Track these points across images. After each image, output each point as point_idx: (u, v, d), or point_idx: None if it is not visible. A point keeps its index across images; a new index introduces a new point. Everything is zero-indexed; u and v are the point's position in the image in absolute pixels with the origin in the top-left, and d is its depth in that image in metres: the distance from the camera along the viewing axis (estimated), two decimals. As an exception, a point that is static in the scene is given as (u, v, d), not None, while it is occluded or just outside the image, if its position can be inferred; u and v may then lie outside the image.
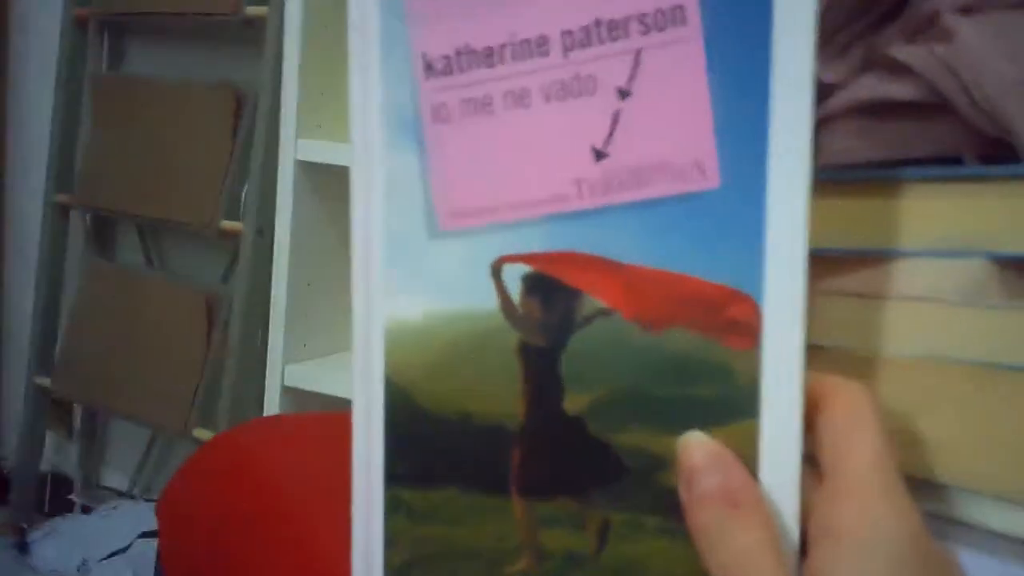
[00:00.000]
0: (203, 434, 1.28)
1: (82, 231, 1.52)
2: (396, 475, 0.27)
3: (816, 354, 0.24)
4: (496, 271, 0.26)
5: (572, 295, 0.26)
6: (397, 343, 0.26)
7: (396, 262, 0.26)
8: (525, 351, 0.26)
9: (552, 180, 0.26)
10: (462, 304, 0.26)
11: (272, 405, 1.09)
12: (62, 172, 1.46)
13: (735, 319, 0.24)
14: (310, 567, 0.44)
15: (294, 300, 1.09)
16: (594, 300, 0.26)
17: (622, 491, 0.25)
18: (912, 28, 0.31)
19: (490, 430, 0.26)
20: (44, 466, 1.55)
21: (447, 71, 0.26)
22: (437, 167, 0.26)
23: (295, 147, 1.05)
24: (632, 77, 0.25)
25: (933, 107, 0.30)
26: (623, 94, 0.25)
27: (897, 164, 0.30)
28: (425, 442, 0.27)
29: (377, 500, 0.27)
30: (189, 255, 1.48)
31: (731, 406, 0.24)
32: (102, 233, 1.53)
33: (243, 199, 1.27)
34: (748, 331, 0.24)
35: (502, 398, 0.26)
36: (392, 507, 0.27)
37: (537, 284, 0.26)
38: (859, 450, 0.23)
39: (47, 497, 1.56)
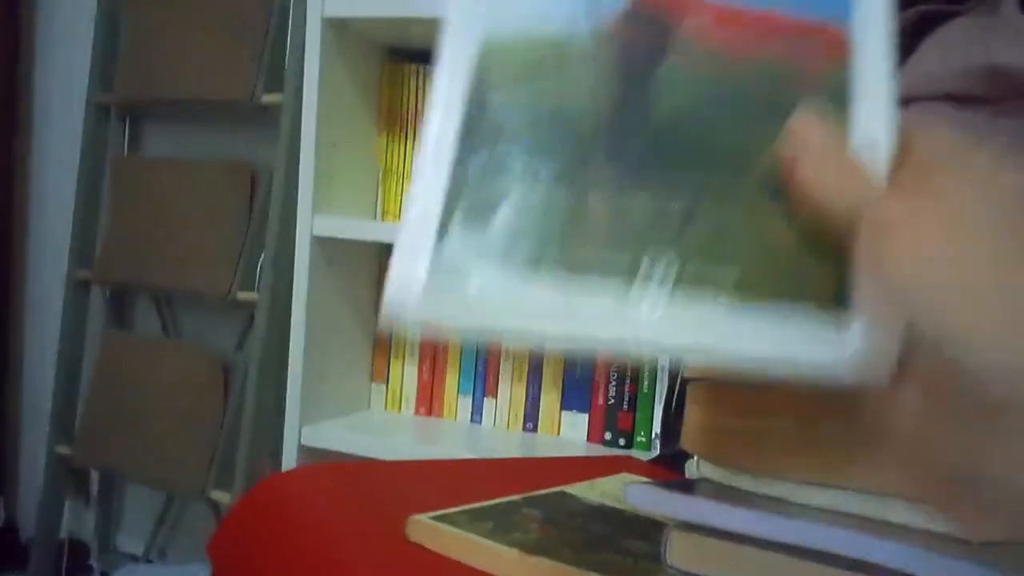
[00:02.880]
0: (220, 496, 1.33)
1: (101, 304, 1.60)
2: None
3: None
4: None
5: (668, 25, 0.28)
6: (490, 54, 0.27)
7: None
8: (619, 69, 0.27)
9: None
10: (559, 25, 0.28)
11: (289, 464, 1.16)
12: (83, 249, 1.54)
13: (824, 46, 0.27)
14: None
15: (309, 365, 1.16)
16: (688, 29, 0.28)
17: (709, 180, 0.27)
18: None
19: (573, 123, 0.27)
20: (62, 533, 1.60)
21: None
22: None
23: (311, 222, 1.13)
24: None
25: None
26: None
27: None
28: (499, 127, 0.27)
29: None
30: (204, 324, 1.56)
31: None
32: (120, 305, 1.60)
33: (258, 271, 1.36)
34: (837, 55, 0.27)
35: (590, 104, 0.27)
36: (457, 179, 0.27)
37: (636, 14, 0.28)
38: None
39: (65, 564, 1.60)
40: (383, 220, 1.22)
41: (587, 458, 0.84)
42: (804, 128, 0.26)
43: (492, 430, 1.20)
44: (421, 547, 0.53)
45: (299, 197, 1.14)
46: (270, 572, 0.56)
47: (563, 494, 0.60)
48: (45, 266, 1.67)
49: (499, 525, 0.52)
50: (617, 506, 0.57)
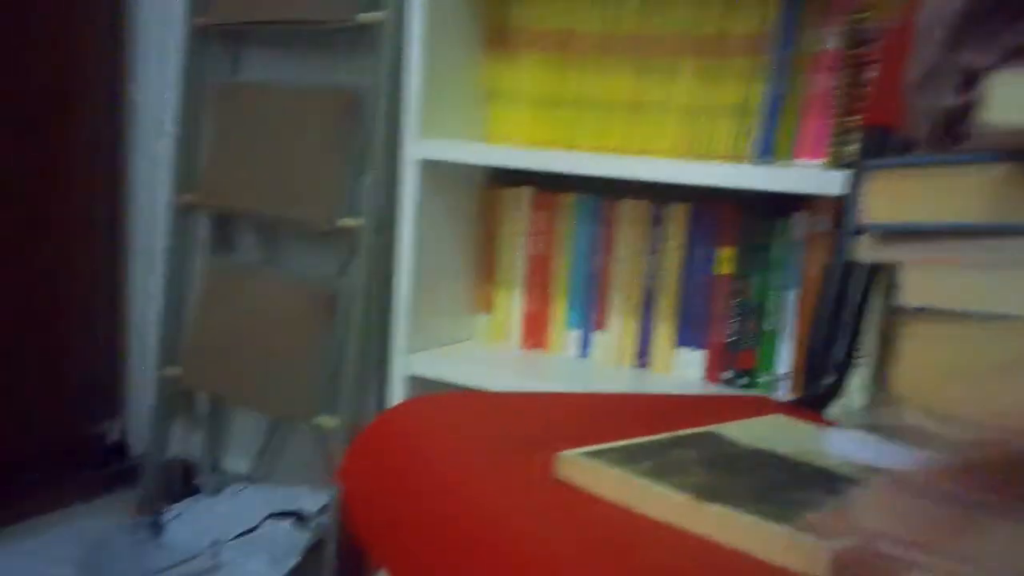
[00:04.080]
0: (325, 421, 1.34)
1: (205, 230, 1.61)
2: None
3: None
4: None
5: None
6: None
7: None
8: None
9: None
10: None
11: (395, 393, 1.14)
12: (186, 175, 1.54)
13: None
14: (475, 541, 0.47)
15: (416, 293, 1.13)
16: None
17: None
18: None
19: None
20: (171, 453, 1.64)
21: None
22: None
23: (416, 146, 1.09)
24: None
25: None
26: None
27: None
28: None
29: None
30: (306, 251, 1.55)
31: None
32: (222, 232, 1.61)
33: (360, 197, 1.33)
34: None
35: None
36: None
37: None
38: None
39: (173, 482, 1.65)
40: (490, 144, 1.17)
41: (719, 396, 0.79)
42: None
43: (600, 366, 1.16)
44: (570, 485, 0.49)
45: (404, 119, 1.10)
46: (405, 502, 0.54)
47: (713, 435, 0.55)
48: (150, 191, 1.69)
49: (657, 466, 0.48)
50: (778, 451, 0.52)
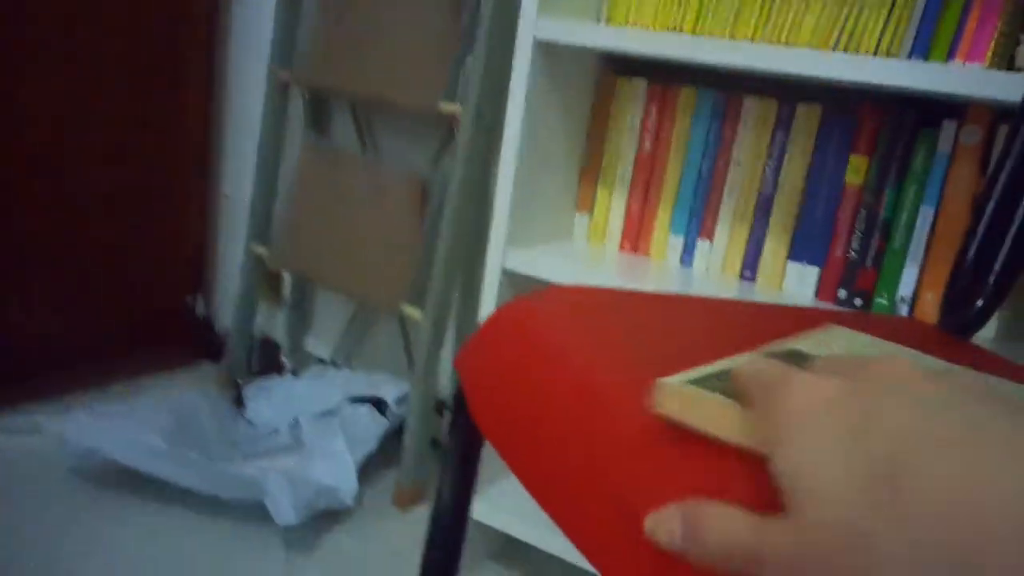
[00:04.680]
0: (411, 311, 1.32)
1: (300, 110, 1.57)
2: None
3: None
4: None
5: None
6: None
7: None
8: None
9: None
10: None
11: (492, 288, 1.10)
12: (283, 50, 1.50)
13: None
14: (597, 436, 0.43)
15: (518, 185, 1.08)
16: None
17: None
18: None
19: None
20: (255, 330, 1.66)
21: None
22: None
23: (535, 24, 1.02)
24: None
25: None
26: None
27: None
28: None
29: None
30: (401, 138, 1.50)
31: None
32: (318, 113, 1.57)
33: (461, 81, 1.27)
34: None
35: None
36: None
37: None
38: None
39: (257, 359, 1.67)
40: (608, 25, 1.08)
41: (863, 314, 0.72)
42: None
43: (704, 276, 1.10)
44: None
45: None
46: (524, 396, 0.50)
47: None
48: (247, 65, 1.65)
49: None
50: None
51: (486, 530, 1.21)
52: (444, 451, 0.61)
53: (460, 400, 0.58)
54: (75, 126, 1.47)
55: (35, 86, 1.40)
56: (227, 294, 1.75)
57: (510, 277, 1.11)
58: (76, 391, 1.53)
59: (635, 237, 1.17)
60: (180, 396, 1.41)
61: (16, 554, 1.08)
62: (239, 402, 1.50)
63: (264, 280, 1.62)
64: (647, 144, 1.14)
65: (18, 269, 1.44)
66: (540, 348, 0.52)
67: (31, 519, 1.16)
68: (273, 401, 1.47)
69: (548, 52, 1.05)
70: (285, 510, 1.15)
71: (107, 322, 1.60)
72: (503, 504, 1.16)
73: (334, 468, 1.27)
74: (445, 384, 1.46)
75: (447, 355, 1.45)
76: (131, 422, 1.25)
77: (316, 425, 1.37)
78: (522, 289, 1.12)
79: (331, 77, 1.43)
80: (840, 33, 0.95)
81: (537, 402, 0.49)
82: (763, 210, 1.07)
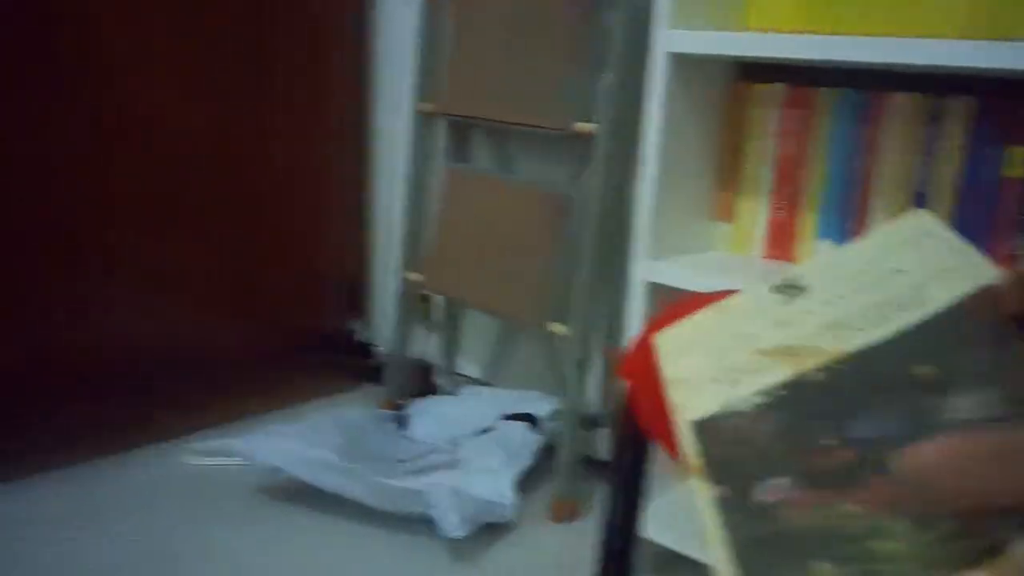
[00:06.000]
0: (556, 328, 1.35)
1: (443, 140, 1.65)
2: None
3: None
4: None
5: None
6: None
7: None
8: None
9: None
10: None
11: (635, 299, 1.12)
12: (426, 84, 1.58)
13: None
14: None
15: (658, 197, 1.09)
16: None
17: None
18: None
19: None
20: (411, 353, 1.74)
21: None
22: None
23: (667, 37, 1.03)
24: None
25: None
26: None
27: None
28: None
29: None
30: (538, 158, 1.55)
31: None
32: (459, 139, 1.64)
33: (595, 101, 1.30)
34: None
35: None
36: None
37: None
38: None
39: (415, 381, 1.76)
40: (747, 31, 1.08)
41: None
42: None
43: (855, 277, 1.07)
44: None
45: (654, 8, 1.04)
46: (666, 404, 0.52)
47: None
48: (390, 101, 1.75)
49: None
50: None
51: (647, 545, 1.22)
52: (608, 466, 0.63)
53: (623, 413, 0.60)
54: (249, 183, 1.61)
55: (242, 144, 1.54)
56: (384, 318, 1.85)
57: (654, 289, 1.12)
58: (256, 413, 1.66)
59: (780, 244, 1.16)
60: (348, 415, 1.50)
61: (206, 558, 1.19)
62: (401, 421, 1.58)
63: (417, 304, 1.70)
64: (787, 149, 1.13)
65: (218, 301, 1.59)
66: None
67: (224, 531, 1.27)
68: (431, 420, 1.54)
69: (680, 63, 1.07)
70: (453, 523, 1.21)
71: (277, 347, 1.73)
72: (662, 518, 1.16)
73: (494, 483, 1.31)
74: (593, 399, 1.48)
75: (593, 370, 1.48)
76: (306, 442, 1.35)
77: (474, 442, 1.42)
78: (666, 302, 1.13)
79: (471, 105, 1.49)
80: (987, 21, 0.91)
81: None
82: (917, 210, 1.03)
